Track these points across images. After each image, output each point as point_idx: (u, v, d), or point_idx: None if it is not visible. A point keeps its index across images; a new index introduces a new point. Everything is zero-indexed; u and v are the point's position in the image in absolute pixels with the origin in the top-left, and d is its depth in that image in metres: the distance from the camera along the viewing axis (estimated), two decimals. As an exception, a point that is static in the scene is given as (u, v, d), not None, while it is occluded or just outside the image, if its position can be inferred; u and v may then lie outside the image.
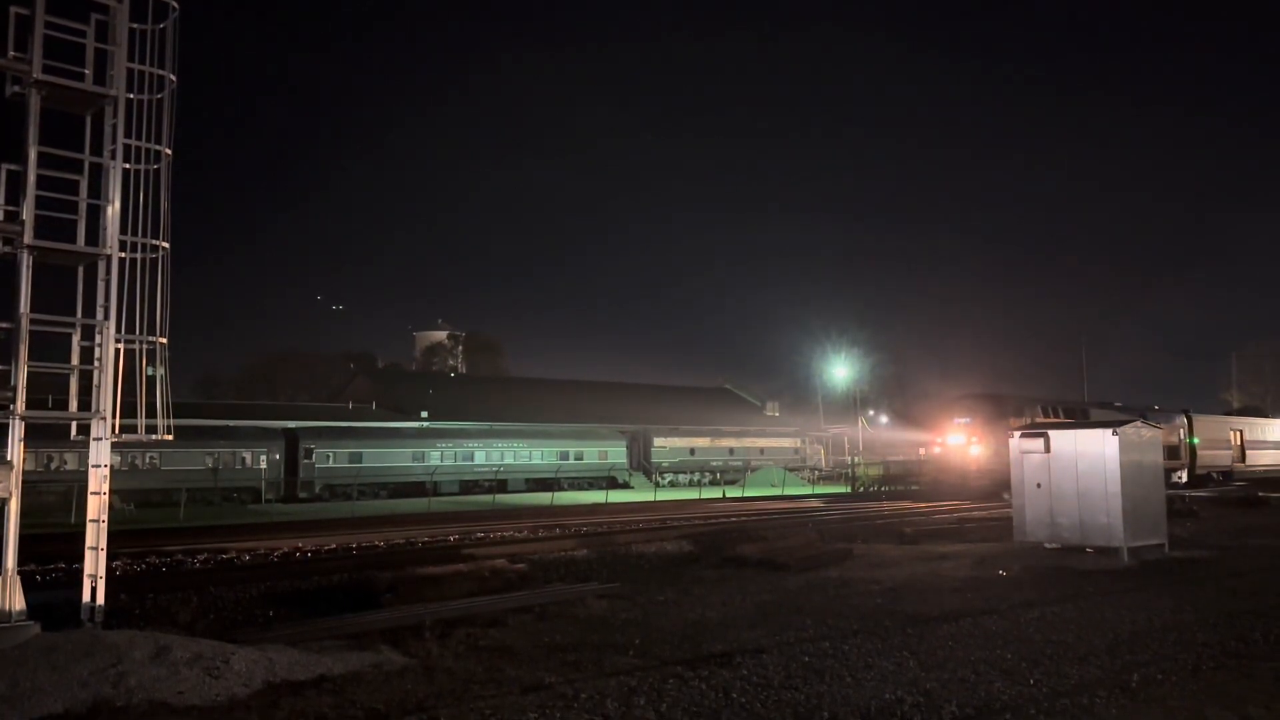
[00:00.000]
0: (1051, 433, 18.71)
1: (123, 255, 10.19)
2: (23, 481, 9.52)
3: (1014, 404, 38.85)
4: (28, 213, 9.59)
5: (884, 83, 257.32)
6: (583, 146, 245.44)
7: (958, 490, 36.72)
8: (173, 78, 10.64)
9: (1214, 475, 44.72)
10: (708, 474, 56.06)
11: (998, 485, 35.95)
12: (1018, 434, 19.37)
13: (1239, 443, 47.39)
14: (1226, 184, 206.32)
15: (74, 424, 10.28)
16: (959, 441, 38.16)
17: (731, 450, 58.79)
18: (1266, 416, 57.26)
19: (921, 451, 40.89)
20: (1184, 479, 42.70)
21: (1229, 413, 54.03)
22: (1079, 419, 39.61)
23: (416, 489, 43.67)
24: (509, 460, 49.13)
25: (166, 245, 10.51)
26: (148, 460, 39.20)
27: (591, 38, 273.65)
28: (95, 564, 9.80)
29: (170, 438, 10.39)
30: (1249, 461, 47.44)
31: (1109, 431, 17.83)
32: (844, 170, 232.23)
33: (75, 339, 10.08)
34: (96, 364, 9.98)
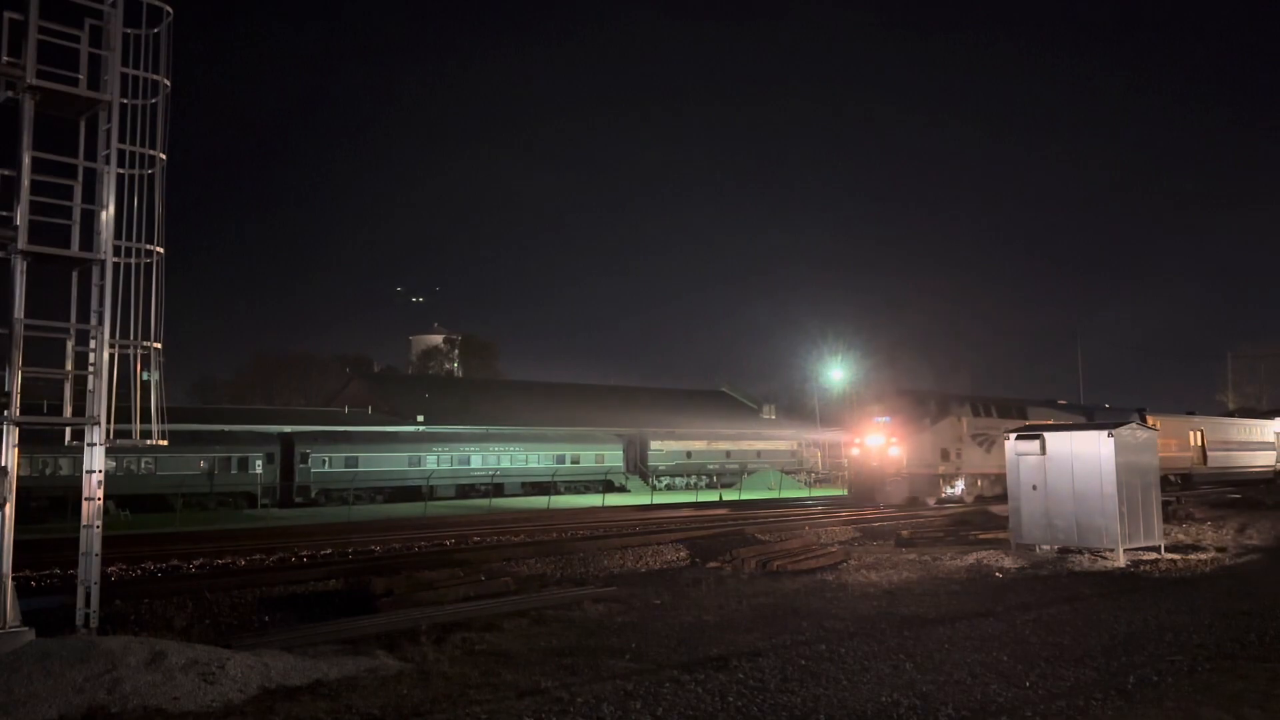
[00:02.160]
0: (1047, 435, 18.73)
1: (117, 260, 10.16)
2: (16, 487, 9.49)
3: (937, 401, 36.25)
4: (22, 218, 9.56)
5: (882, 86, 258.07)
6: (580, 149, 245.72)
7: (875, 496, 33.99)
8: (167, 82, 10.62)
9: (1172, 479, 41.83)
10: (704, 477, 56.02)
11: (919, 490, 33.99)
12: (1013, 436, 19.39)
13: (1200, 444, 45.02)
14: (1224, 183, 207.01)
15: (68, 429, 10.25)
16: (877, 443, 35.21)
17: (728, 453, 58.75)
18: (1233, 416, 54.32)
19: (855, 453, 37.18)
20: None
21: (1191, 412, 49.90)
22: (1015, 417, 37.86)
23: (413, 493, 43.61)
24: (505, 464, 49.07)
25: (161, 250, 10.49)
26: (143, 465, 39.12)
27: (590, 40, 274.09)
28: (89, 570, 9.77)
29: (165, 443, 10.36)
30: (1211, 464, 45.18)
31: (1104, 433, 17.86)
32: (842, 171, 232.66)
33: (69, 344, 10.05)
34: (91, 369, 9.95)
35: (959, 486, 35.40)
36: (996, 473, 36.72)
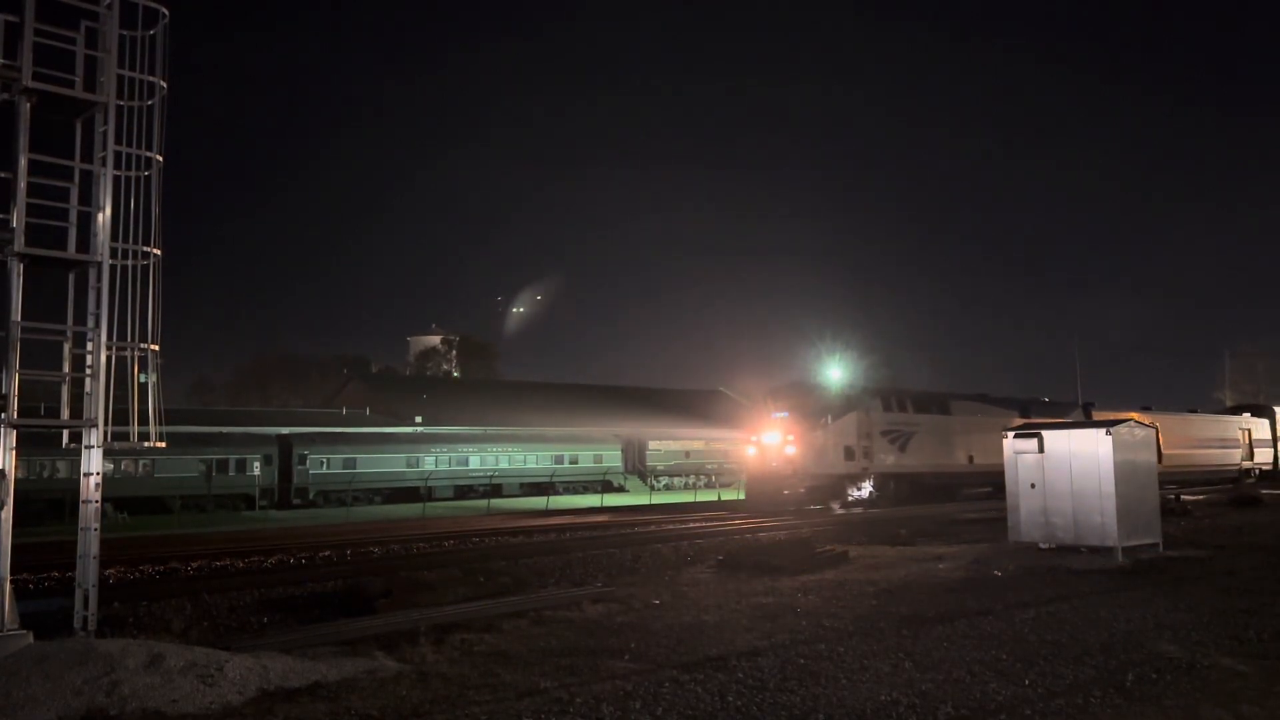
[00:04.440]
0: (1045, 433, 18.76)
1: (114, 262, 10.15)
2: (14, 490, 9.48)
3: (840, 395, 33.20)
4: (18, 220, 9.55)
5: (881, 85, 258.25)
6: (576, 149, 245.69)
7: (772, 501, 30.63)
8: (163, 84, 10.61)
9: None
10: (703, 476, 56.03)
11: (821, 494, 31.10)
12: (1011, 434, 19.40)
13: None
14: (1222, 183, 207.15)
15: (65, 432, 10.24)
16: (774, 440, 31.74)
17: (727, 453, 58.76)
18: (1196, 413, 50.64)
19: (751, 453, 33.43)
20: None
21: (1146, 407, 46.05)
22: (935, 412, 36.25)
23: (411, 494, 43.62)
24: (504, 465, 49.07)
25: (158, 252, 10.48)
26: (141, 467, 39.09)
27: (586, 38, 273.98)
28: (88, 572, 9.75)
29: (162, 445, 10.35)
30: (1167, 463, 40.86)
31: (1103, 431, 17.88)
32: (841, 173, 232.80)
33: (66, 347, 10.04)
34: (88, 371, 9.94)
35: (866, 488, 32.66)
36: (912, 472, 34.41)
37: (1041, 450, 18.40)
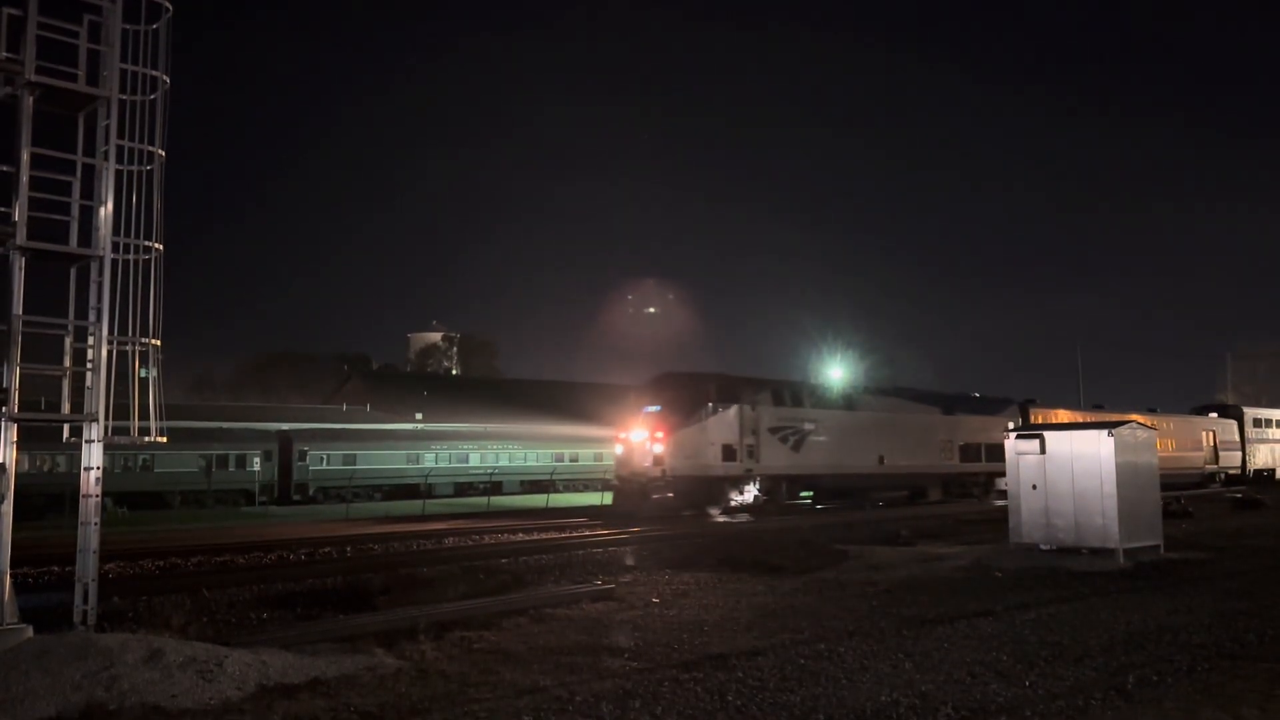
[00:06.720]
0: (1047, 434, 18.73)
1: (115, 256, 10.14)
2: (15, 484, 9.47)
3: (720, 388, 29.86)
4: (20, 214, 9.53)
5: (879, 87, 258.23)
6: (579, 148, 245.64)
7: (638, 506, 27.42)
8: (165, 79, 10.58)
9: None
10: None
11: (696, 498, 28.04)
12: (1013, 435, 19.38)
13: None
14: (1222, 185, 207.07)
15: (66, 426, 10.22)
16: (642, 438, 28.58)
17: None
18: (1155, 413, 47.05)
19: (619, 452, 30.19)
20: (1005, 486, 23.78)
21: (1099, 406, 43.08)
22: (841, 408, 33.77)
23: (411, 491, 43.62)
24: (504, 462, 49.08)
25: (159, 247, 10.46)
26: (141, 462, 39.10)
27: (590, 38, 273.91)
28: (87, 567, 9.74)
29: (163, 440, 10.34)
30: None
31: (1104, 433, 17.85)
32: (841, 172, 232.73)
33: (68, 341, 10.02)
34: (89, 366, 9.92)
35: (750, 492, 29.87)
36: (808, 474, 31.75)
37: (1043, 451, 18.37)
